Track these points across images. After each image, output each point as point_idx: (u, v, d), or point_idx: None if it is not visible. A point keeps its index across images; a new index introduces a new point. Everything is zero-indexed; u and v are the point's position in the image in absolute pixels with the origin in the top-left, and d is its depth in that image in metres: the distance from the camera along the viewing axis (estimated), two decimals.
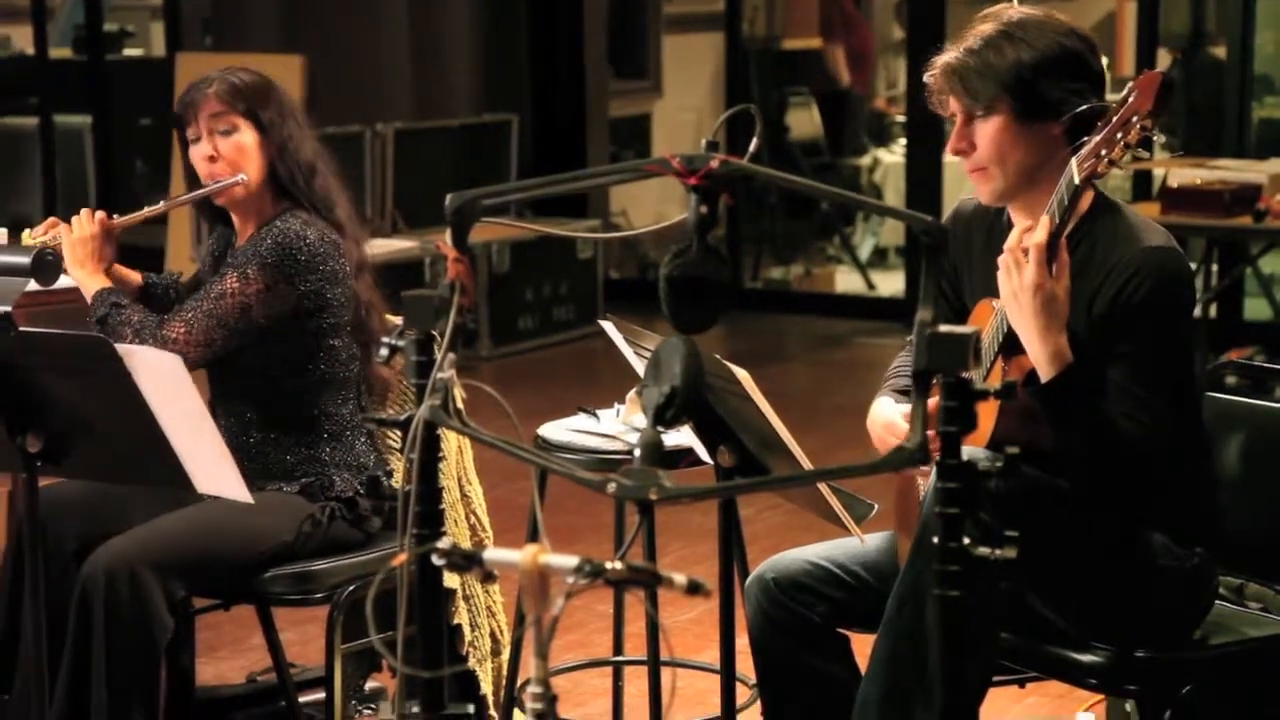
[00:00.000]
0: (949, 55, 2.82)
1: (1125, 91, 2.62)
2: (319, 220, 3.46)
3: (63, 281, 3.40)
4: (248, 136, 3.45)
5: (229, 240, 3.60)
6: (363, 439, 3.51)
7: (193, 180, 3.53)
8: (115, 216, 3.50)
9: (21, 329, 2.69)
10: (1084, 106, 2.73)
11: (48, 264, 2.77)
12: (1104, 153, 2.61)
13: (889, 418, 2.91)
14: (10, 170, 10.26)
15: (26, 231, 3.86)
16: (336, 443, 3.46)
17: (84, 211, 3.48)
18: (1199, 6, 9.10)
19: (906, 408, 2.89)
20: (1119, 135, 2.60)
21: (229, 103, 3.44)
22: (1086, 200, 2.80)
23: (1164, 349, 2.75)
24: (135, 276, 3.63)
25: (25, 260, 2.73)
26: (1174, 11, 8.79)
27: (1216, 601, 2.93)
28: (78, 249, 3.43)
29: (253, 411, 3.42)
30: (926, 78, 2.85)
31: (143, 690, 3.19)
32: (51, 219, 3.56)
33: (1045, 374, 2.70)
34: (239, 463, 2.86)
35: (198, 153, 3.47)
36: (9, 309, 2.67)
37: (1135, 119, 2.59)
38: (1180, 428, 2.75)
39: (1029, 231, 2.72)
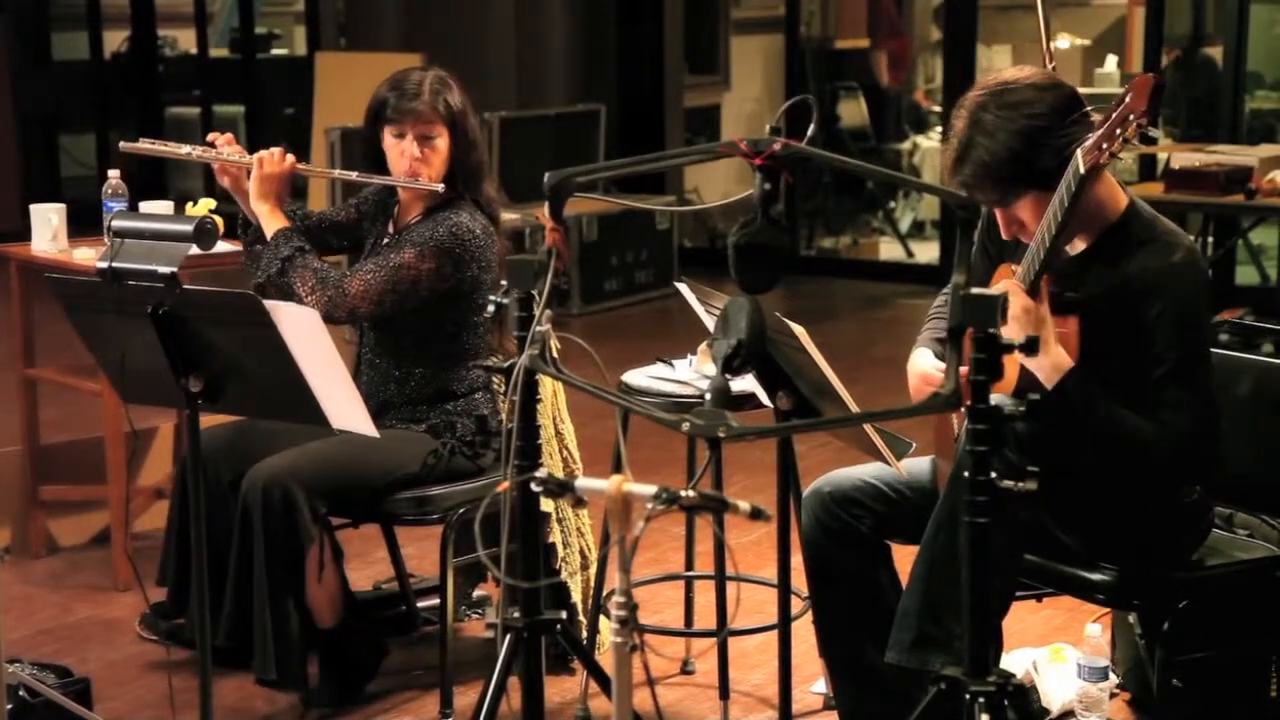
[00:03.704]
0: (952, 174, 2.67)
1: (1122, 93, 2.54)
2: (479, 213, 3.40)
3: (220, 247, 3.38)
4: (444, 143, 3.36)
5: (389, 201, 3.50)
6: (482, 393, 3.48)
7: (379, 155, 3.38)
8: (302, 164, 3.37)
9: (185, 287, 2.69)
10: (1082, 140, 2.55)
11: (207, 232, 2.77)
12: (1105, 146, 2.51)
13: (924, 368, 2.87)
14: None
15: (189, 204, 3.87)
16: (462, 399, 3.45)
17: (275, 150, 3.33)
18: (1199, 11, 8.96)
19: (940, 362, 2.86)
20: (1117, 131, 2.52)
21: (438, 115, 3.34)
22: (1120, 206, 2.72)
23: (1190, 350, 2.65)
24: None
25: (188, 228, 2.72)
26: (1177, 15, 8.65)
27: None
28: (265, 184, 3.31)
29: (395, 374, 3.41)
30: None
31: (293, 582, 3.20)
32: (238, 147, 3.30)
33: (1048, 383, 2.60)
34: (375, 408, 2.82)
35: (401, 151, 3.35)
36: (175, 269, 2.68)
37: (1132, 117, 2.50)
38: (1196, 408, 2.64)
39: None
